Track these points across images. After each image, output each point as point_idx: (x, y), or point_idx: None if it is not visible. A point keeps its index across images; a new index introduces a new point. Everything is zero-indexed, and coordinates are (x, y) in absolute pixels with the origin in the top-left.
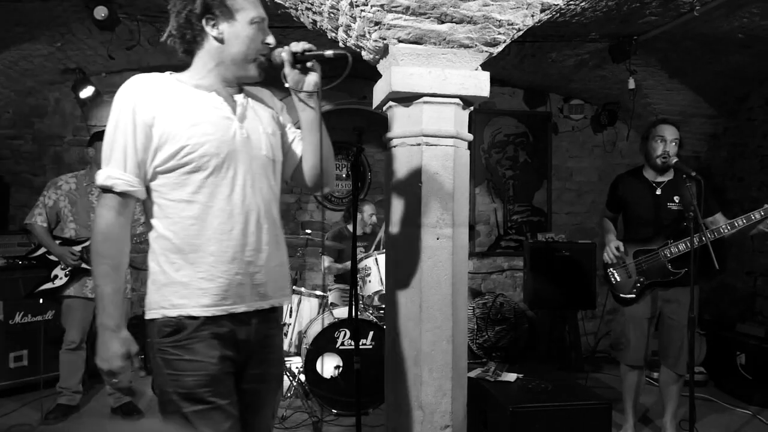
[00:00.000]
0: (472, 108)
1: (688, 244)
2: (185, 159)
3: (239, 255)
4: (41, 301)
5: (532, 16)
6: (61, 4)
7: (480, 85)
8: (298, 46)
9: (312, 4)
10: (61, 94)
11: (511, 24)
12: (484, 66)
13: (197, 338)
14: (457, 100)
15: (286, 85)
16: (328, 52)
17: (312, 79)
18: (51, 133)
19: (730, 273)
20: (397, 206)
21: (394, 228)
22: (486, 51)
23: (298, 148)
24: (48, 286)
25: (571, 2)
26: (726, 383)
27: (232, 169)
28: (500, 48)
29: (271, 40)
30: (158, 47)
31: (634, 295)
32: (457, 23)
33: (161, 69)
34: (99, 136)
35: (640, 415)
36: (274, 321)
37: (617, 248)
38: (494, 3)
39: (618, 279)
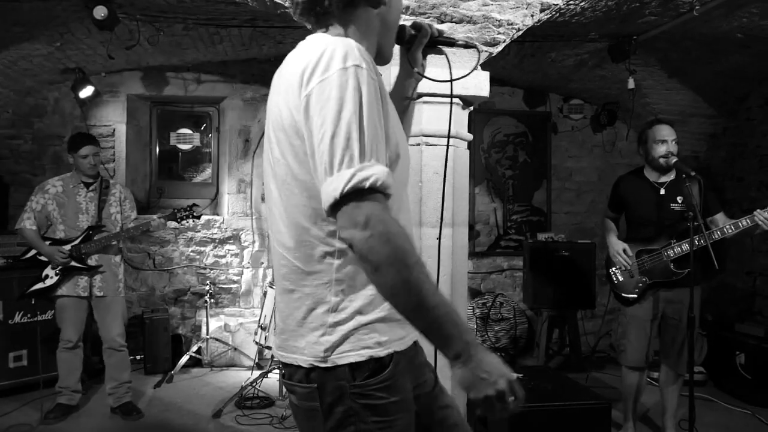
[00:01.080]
0: (471, 108)
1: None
2: (396, 169)
3: None
4: (33, 301)
5: (532, 15)
6: (60, 3)
7: (479, 85)
8: (436, 27)
9: None
10: (61, 93)
11: (511, 24)
12: (484, 66)
13: (398, 374)
14: (457, 100)
15: (415, 69)
16: (461, 42)
17: (420, 61)
18: (50, 132)
19: (730, 273)
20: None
21: None
22: (486, 51)
23: None
24: (39, 286)
25: (570, 2)
26: (725, 383)
27: (407, 177)
28: (500, 48)
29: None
30: (158, 47)
31: (636, 295)
32: (456, 23)
33: (161, 69)
34: (69, 145)
35: (641, 415)
36: None
37: (625, 251)
38: (494, 3)
39: (620, 279)
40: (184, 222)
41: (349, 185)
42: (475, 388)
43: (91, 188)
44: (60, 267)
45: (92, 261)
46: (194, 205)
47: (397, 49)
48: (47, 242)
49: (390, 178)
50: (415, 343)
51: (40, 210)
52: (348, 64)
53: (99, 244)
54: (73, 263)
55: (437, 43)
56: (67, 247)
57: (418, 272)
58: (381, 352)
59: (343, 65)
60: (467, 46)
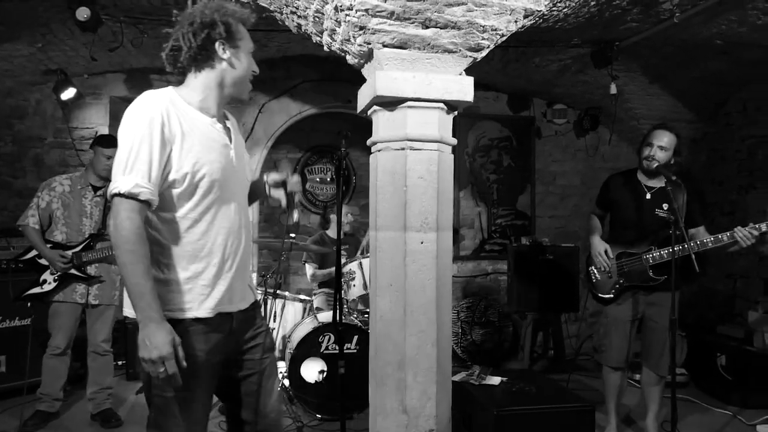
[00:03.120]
0: (456, 112)
1: (670, 252)
2: (195, 183)
3: (235, 264)
4: (29, 305)
5: (516, 21)
6: (42, 4)
7: (464, 89)
8: (286, 179)
9: (297, 8)
10: (42, 95)
11: (495, 29)
12: (468, 71)
13: (188, 333)
14: (442, 105)
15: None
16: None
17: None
18: (31, 134)
19: (711, 276)
20: (382, 210)
21: (379, 232)
22: (470, 56)
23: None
24: (36, 290)
25: (553, 8)
26: (707, 384)
27: (228, 192)
28: (484, 53)
29: (256, 69)
30: (141, 49)
31: (612, 296)
32: (441, 28)
33: (144, 71)
34: (100, 140)
35: (623, 416)
36: (252, 310)
37: (606, 252)
38: (478, 8)
39: (598, 278)
40: None
41: (113, 190)
42: (139, 349)
43: (98, 192)
44: (59, 273)
45: (92, 270)
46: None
47: None
48: (48, 245)
49: (137, 189)
50: (232, 319)
51: (44, 207)
52: (135, 109)
53: (100, 253)
54: (73, 271)
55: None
56: (69, 253)
57: (130, 257)
58: (179, 316)
59: (133, 110)
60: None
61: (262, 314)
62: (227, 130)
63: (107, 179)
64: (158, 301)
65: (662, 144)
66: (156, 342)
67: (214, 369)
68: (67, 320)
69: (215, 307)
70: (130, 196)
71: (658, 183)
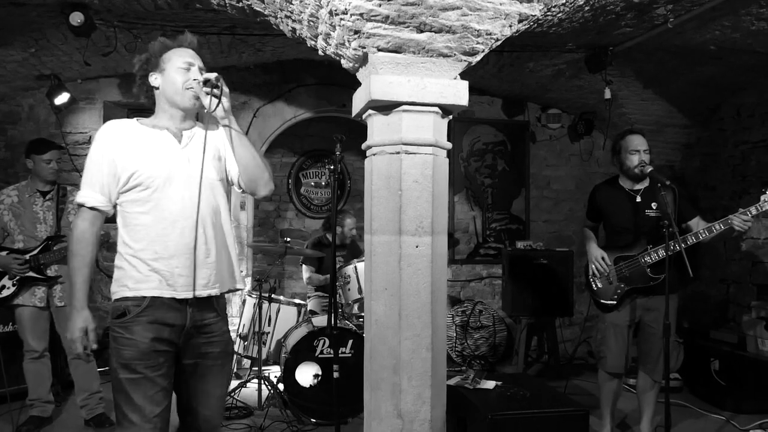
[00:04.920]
0: (451, 116)
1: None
2: (137, 181)
3: (178, 252)
4: None
5: (510, 26)
6: (35, 9)
7: (459, 93)
8: (201, 77)
9: (291, 13)
10: (36, 100)
11: (490, 34)
12: (463, 75)
13: (136, 322)
14: (436, 109)
15: (207, 111)
16: (213, 77)
17: (209, 101)
18: (24, 139)
19: (704, 281)
20: (377, 214)
21: (374, 236)
22: (465, 60)
23: (231, 160)
24: None
25: (548, 13)
26: (700, 389)
27: (172, 187)
28: (479, 57)
29: (193, 75)
30: (135, 54)
31: (615, 302)
32: (436, 32)
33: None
34: (34, 148)
35: (618, 421)
36: (212, 309)
37: (603, 258)
38: (473, 13)
39: (599, 285)
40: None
41: (76, 200)
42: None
43: (47, 197)
44: (17, 277)
45: (51, 271)
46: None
47: None
48: (4, 252)
49: (83, 199)
50: (183, 308)
51: None
52: (96, 135)
53: (58, 254)
54: (31, 273)
55: (206, 91)
56: (26, 257)
57: (69, 253)
58: (127, 293)
59: (95, 136)
60: (217, 79)
61: (225, 323)
62: (180, 136)
63: (53, 182)
64: (84, 293)
65: (645, 148)
66: (71, 326)
67: (163, 355)
68: (34, 324)
69: (160, 289)
70: (80, 205)
71: (641, 185)
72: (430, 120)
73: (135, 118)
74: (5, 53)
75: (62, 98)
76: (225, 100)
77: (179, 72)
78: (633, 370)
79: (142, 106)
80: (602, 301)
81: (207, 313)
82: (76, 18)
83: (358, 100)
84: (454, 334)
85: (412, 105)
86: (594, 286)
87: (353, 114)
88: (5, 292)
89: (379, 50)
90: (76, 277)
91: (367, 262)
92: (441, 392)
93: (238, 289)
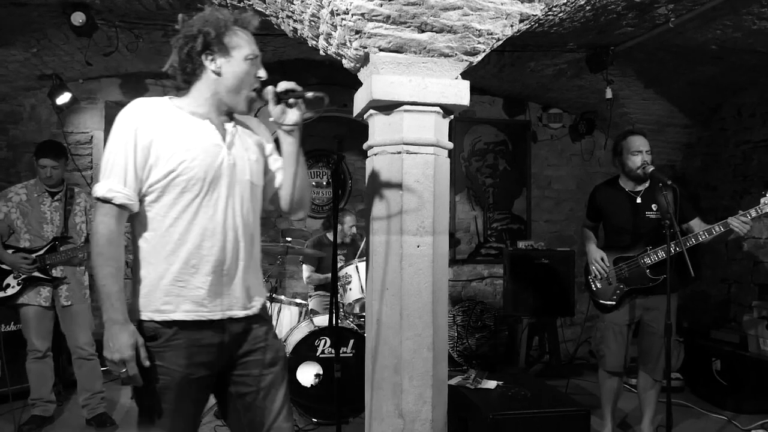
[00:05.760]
0: (452, 116)
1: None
2: (176, 180)
3: (218, 269)
4: None
5: (511, 26)
6: (37, 9)
7: (460, 93)
8: (281, 86)
9: (293, 13)
10: (37, 100)
11: (491, 33)
12: (464, 75)
13: (168, 347)
14: (438, 109)
15: (271, 119)
16: (309, 94)
17: (292, 116)
18: (26, 139)
19: (705, 281)
20: (378, 214)
21: (375, 236)
22: (466, 60)
23: (279, 175)
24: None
25: (549, 13)
26: (702, 389)
27: (216, 192)
28: (480, 57)
29: (262, 74)
30: (136, 54)
31: (614, 302)
32: (437, 32)
33: (139, 75)
34: (36, 150)
35: (619, 420)
36: (250, 321)
37: (602, 259)
38: (474, 13)
39: (599, 286)
40: None
41: (92, 194)
42: (104, 349)
43: (56, 197)
44: (23, 277)
45: (56, 272)
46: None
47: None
48: (11, 251)
49: (110, 193)
50: (222, 328)
51: (2, 219)
52: (117, 118)
53: (64, 255)
54: (37, 273)
55: (287, 98)
56: (32, 256)
57: (98, 259)
58: (156, 317)
59: (116, 119)
60: (315, 99)
61: (269, 328)
62: (224, 131)
63: (53, 187)
64: (124, 303)
65: (647, 149)
66: (118, 344)
67: (198, 383)
68: (38, 324)
69: (196, 311)
70: (105, 200)
71: (642, 186)
72: (432, 120)
73: (167, 97)
74: (7, 53)
75: (64, 98)
76: (296, 114)
77: (247, 64)
78: (634, 370)
79: None
80: (601, 301)
81: (249, 329)
82: (78, 18)
83: (360, 100)
84: (456, 334)
85: (413, 105)
86: (593, 286)
87: (354, 114)
88: (9, 291)
89: (381, 50)
90: (111, 285)
91: (369, 261)
92: (442, 392)
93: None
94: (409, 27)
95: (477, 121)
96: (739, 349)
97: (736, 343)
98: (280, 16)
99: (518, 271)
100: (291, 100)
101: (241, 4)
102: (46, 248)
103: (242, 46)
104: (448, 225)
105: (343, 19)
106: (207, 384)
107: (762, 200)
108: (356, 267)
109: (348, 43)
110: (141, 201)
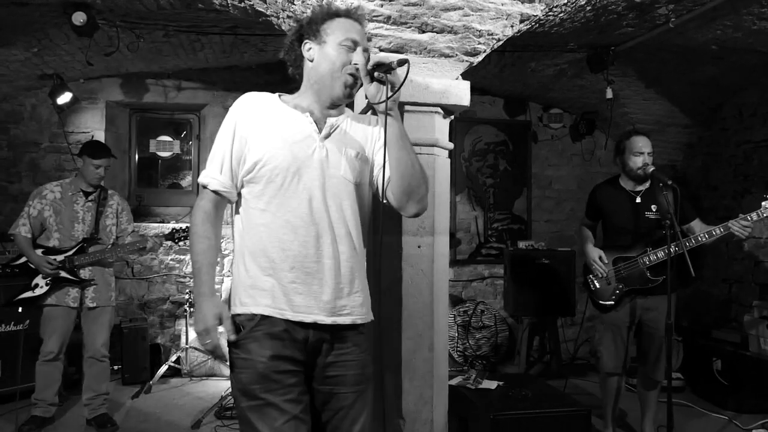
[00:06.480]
0: (452, 116)
1: (666, 252)
2: (261, 171)
3: (298, 264)
4: (20, 309)
5: (512, 26)
6: (38, 9)
7: (460, 94)
8: (372, 62)
9: (294, 13)
10: (38, 99)
11: (491, 34)
12: (465, 75)
13: (251, 338)
14: (438, 109)
15: (368, 101)
16: (394, 62)
17: (383, 93)
18: (27, 139)
19: (706, 280)
20: (378, 214)
21: (375, 236)
22: (466, 60)
23: (387, 168)
24: (28, 294)
25: (549, 13)
26: (702, 389)
27: (301, 184)
28: (480, 57)
29: (357, 58)
30: (137, 53)
31: (612, 302)
32: (437, 33)
33: (140, 75)
34: (89, 150)
35: (620, 420)
36: (342, 331)
37: (600, 258)
38: (474, 13)
39: (597, 286)
40: (181, 243)
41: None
42: (194, 323)
43: (90, 198)
44: (50, 277)
45: (84, 273)
46: (176, 231)
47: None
48: (40, 250)
49: (206, 179)
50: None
51: (36, 215)
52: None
53: (92, 257)
54: (64, 274)
55: (374, 77)
56: (61, 257)
57: (192, 237)
58: (239, 310)
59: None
60: (400, 63)
61: (361, 342)
62: (323, 123)
63: (97, 187)
64: (213, 277)
65: (649, 149)
66: (201, 314)
67: (289, 375)
68: (60, 325)
69: (274, 306)
70: (204, 186)
71: (643, 186)
72: (432, 120)
73: (277, 94)
74: (8, 53)
75: (65, 98)
76: (396, 92)
77: (341, 50)
78: (635, 370)
79: (144, 105)
80: (600, 301)
81: (334, 341)
82: (79, 18)
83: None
84: (456, 334)
85: (414, 105)
86: (592, 286)
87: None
88: (38, 291)
89: (381, 50)
90: (203, 260)
91: (368, 261)
92: (443, 392)
93: (368, 322)
94: (409, 27)
95: (477, 122)
96: (740, 349)
97: (737, 342)
98: (280, 16)
99: (519, 271)
100: (379, 75)
101: (242, 5)
102: (74, 249)
103: (337, 33)
104: (448, 225)
105: None
106: (297, 381)
107: (763, 204)
108: None
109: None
110: (240, 194)
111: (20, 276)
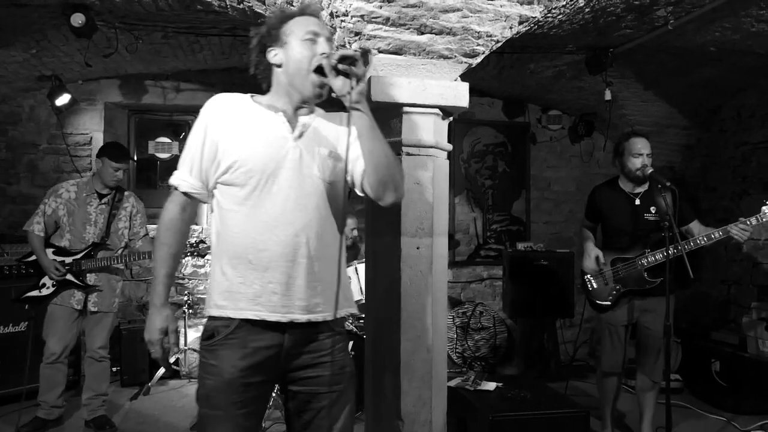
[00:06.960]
0: (451, 118)
1: (665, 254)
2: (236, 173)
3: (274, 265)
4: (26, 307)
5: (511, 27)
6: (36, 10)
7: (459, 95)
8: (335, 56)
9: None
10: (36, 101)
11: (490, 35)
12: (464, 76)
13: (225, 345)
14: (437, 110)
15: (334, 95)
16: (357, 53)
17: (346, 85)
18: (25, 140)
19: (705, 282)
20: (377, 215)
21: (374, 237)
22: (465, 62)
23: (360, 161)
24: (34, 293)
25: (548, 15)
26: (701, 390)
27: (275, 185)
28: (479, 59)
29: (321, 48)
30: (136, 55)
31: (609, 302)
32: (436, 34)
33: (139, 77)
34: (110, 152)
35: (618, 421)
36: (318, 332)
37: (597, 258)
38: (473, 15)
39: (595, 286)
40: (188, 258)
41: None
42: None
43: (104, 200)
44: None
45: (91, 279)
46: (201, 242)
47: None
48: (51, 249)
49: (176, 181)
50: (281, 330)
51: (50, 214)
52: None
53: (100, 263)
54: (70, 278)
55: (339, 70)
56: (69, 259)
57: (156, 242)
58: (214, 312)
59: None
60: (363, 54)
61: (339, 341)
62: (296, 122)
63: (114, 188)
64: (166, 287)
65: (648, 151)
66: (149, 325)
67: (254, 388)
68: (63, 325)
69: (251, 309)
70: (174, 187)
71: (642, 188)
72: (431, 121)
73: (249, 94)
74: (6, 54)
75: (63, 99)
76: (361, 84)
77: (304, 44)
78: (633, 371)
79: (142, 107)
80: (597, 301)
81: (312, 340)
82: (77, 19)
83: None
84: (455, 336)
85: (412, 107)
86: (590, 286)
87: None
88: (45, 291)
89: (380, 52)
90: (159, 269)
91: (368, 263)
92: (442, 394)
93: (351, 314)
94: (408, 29)
95: (476, 123)
96: (739, 350)
97: (736, 344)
98: None
99: (517, 272)
100: (344, 68)
101: (241, 6)
102: (83, 254)
103: (297, 31)
104: (447, 226)
105: (342, 20)
106: (262, 393)
107: (763, 208)
108: (356, 269)
109: (347, 45)
110: (215, 195)
111: (32, 276)
